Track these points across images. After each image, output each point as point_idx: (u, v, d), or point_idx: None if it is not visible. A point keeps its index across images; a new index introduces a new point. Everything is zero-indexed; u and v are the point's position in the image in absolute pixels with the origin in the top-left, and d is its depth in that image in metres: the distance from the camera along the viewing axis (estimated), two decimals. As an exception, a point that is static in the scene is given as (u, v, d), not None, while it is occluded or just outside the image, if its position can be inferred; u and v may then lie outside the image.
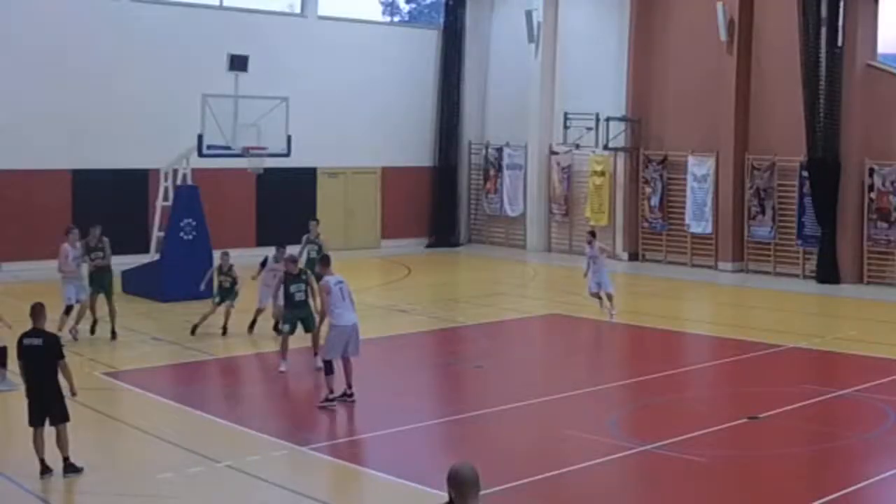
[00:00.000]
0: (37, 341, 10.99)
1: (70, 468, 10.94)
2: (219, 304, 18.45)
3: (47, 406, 10.91)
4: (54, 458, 10.93)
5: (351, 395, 13.95)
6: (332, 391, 13.90)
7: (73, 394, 11.20)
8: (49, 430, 10.97)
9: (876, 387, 14.86)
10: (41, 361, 10.94)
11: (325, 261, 14.85)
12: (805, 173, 25.42)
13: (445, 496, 5.98)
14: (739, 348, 18.00)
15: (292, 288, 16.05)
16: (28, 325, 11.21)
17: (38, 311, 11.20)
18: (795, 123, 25.22)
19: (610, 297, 20.39)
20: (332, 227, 27.86)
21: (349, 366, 14.04)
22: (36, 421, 10.94)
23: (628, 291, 23.81)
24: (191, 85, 24.36)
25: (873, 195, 24.68)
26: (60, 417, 10.96)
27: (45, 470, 10.88)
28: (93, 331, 18.22)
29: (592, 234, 21.51)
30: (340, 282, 14.13)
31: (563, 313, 21.75)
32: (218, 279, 18.69)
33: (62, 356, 11.03)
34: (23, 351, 11.09)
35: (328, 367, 13.93)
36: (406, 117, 32.27)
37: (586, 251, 21.03)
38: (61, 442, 10.94)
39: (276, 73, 27.16)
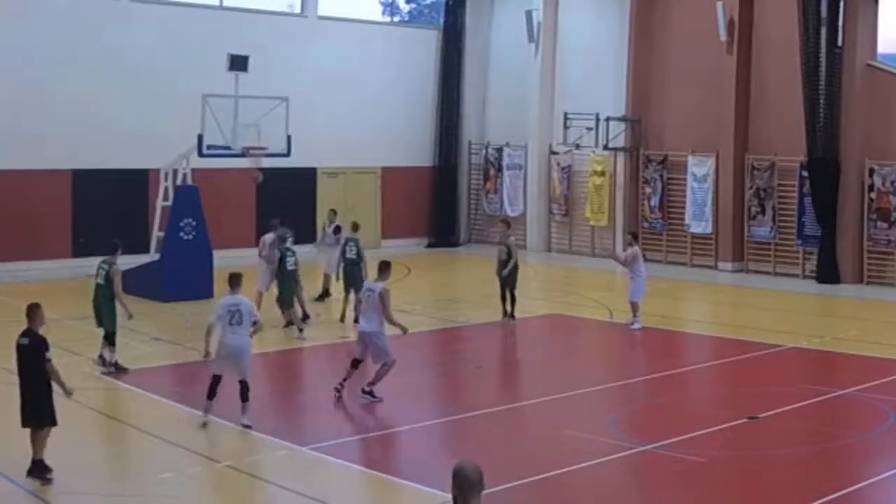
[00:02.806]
0: (24, 341, 10.96)
1: (37, 471, 10.72)
2: None
3: (35, 407, 10.81)
4: (55, 459, 10.89)
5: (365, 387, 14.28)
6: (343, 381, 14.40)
7: (68, 394, 11.10)
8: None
9: (876, 387, 14.87)
10: (27, 361, 10.89)
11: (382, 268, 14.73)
12: (805, 173, 25.42)
13: (445, 496, 5.97)
14: (739, 348, 18.00)
15: None
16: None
17: (32, 311, 11.15)
18: (795, 123, 25.21)
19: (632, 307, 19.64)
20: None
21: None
22: (26, 422, 10.87)
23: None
24: (191, 85, 24.33)
25: (873, 195, 24.67)
26: (47, 420, 10.83)
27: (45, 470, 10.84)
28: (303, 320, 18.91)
29: (633, 235, 20.79)
30: (371, 290, 14.34)
31: (563, 313, 21.76)
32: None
33: (46, 358, 10.82)
34: (15, 351, 11.09)
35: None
36: (406, 117, 32.26)
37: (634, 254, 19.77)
38: (38, 443, 10.79)
39: (276, 73, 27.14)
